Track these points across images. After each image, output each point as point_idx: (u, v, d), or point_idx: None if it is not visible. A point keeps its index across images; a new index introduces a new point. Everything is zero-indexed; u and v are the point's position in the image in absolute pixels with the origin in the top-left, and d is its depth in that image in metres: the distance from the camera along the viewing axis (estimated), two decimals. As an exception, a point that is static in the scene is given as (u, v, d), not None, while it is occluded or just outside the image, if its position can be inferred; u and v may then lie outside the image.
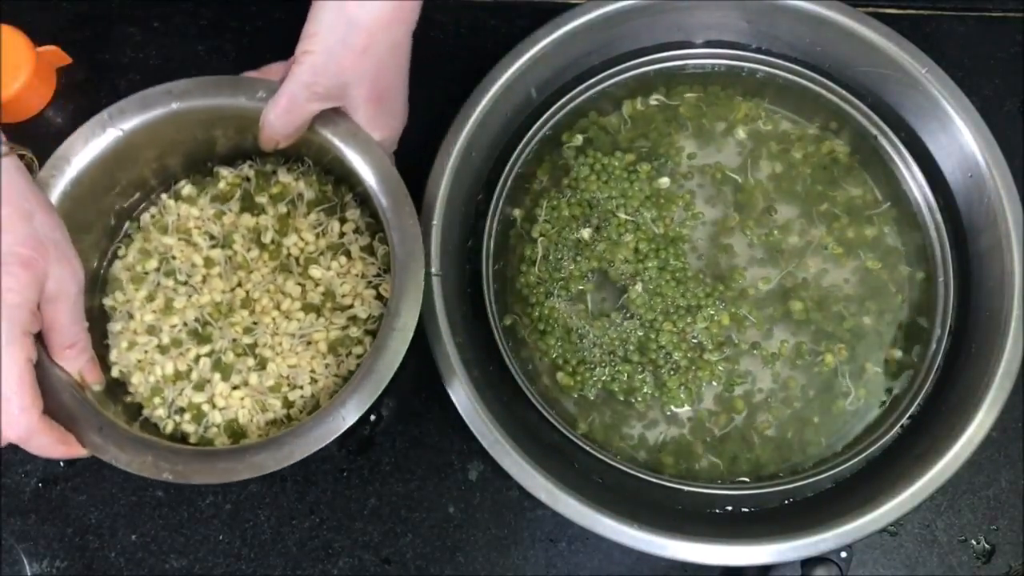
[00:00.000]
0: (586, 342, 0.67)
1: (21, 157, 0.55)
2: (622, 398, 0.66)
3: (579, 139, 0.72)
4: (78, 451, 0.55)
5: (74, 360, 0.57)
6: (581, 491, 0.59)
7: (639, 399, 0.66)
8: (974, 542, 0.66)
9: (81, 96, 0.73)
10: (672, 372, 0.65)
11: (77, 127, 0.62)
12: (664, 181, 0.70)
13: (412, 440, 0.67)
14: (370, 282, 0.65)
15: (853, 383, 0.66)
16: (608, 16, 0.68)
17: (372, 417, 0.67)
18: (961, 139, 0.65)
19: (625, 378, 0.66)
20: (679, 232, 0.69)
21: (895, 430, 0.65)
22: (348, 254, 0.66)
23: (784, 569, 0.60)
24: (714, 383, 0.66)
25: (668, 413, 0.66)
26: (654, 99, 0.72)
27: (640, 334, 0.66)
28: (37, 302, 0.53)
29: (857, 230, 0.69)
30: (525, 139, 0.72)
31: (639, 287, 0.67)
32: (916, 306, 0.68)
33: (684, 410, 0.66)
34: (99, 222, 0.66)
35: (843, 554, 0.59)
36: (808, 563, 0.59)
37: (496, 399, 0.63)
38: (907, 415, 0.65)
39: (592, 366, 0.66)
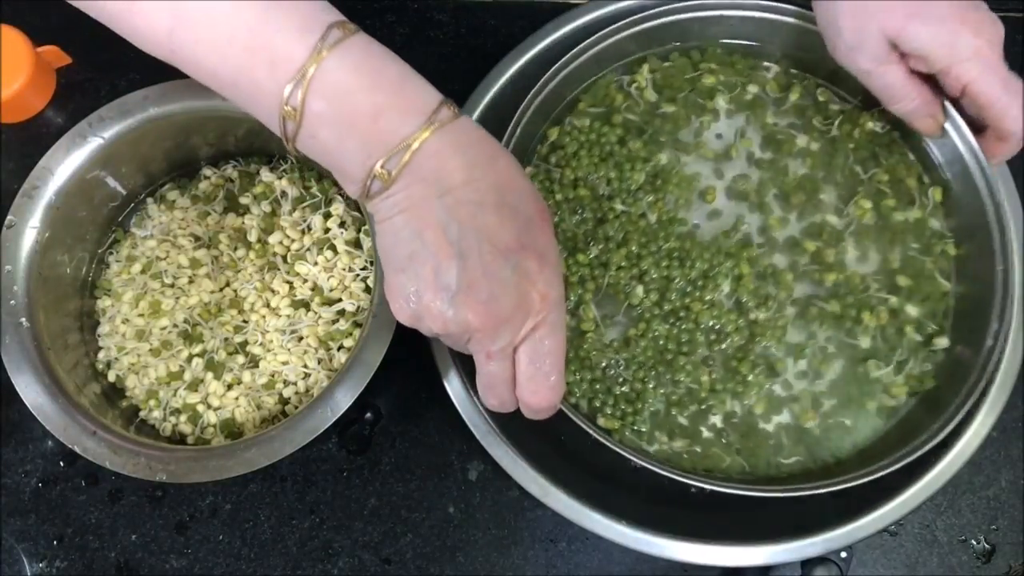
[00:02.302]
0: (610, 371, 0.61)
1: None
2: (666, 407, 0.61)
3: (584, 120, 0.66)
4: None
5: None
6: (582, 489, 0.59)
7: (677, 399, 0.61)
8: (974, 542, 0.66)
9: (81, 96, 0.73)
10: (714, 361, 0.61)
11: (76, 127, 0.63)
12: (681, 160, 0.64)
13: (412, 440, 0.67)
14: (357, 275, 0.66)
15: (891, 375, 0.61)
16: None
17: (370, 416, 0.67)
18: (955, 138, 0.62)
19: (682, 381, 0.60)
20: (678, 217, 0.63)
21: (950, 426, 0.57)
22: (334, 249, 0.66)
23: (784, 569, 0.60)
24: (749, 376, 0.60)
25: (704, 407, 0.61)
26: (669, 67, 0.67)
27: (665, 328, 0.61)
28: None
29: (896, 211, 0.63)
30: (523, 106, 0.63)
31: (640, 290, 0.62)
32: (963, 295, 0.62)
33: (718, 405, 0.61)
34: (86, 229, 0.67)
35: (843, 554, 0.59)
36: (808, 563, 0.59)
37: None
38: (957, 416, 0.57)
39: (632, 398, 0.60)
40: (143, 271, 0.67)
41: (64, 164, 0.63)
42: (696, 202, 0.64)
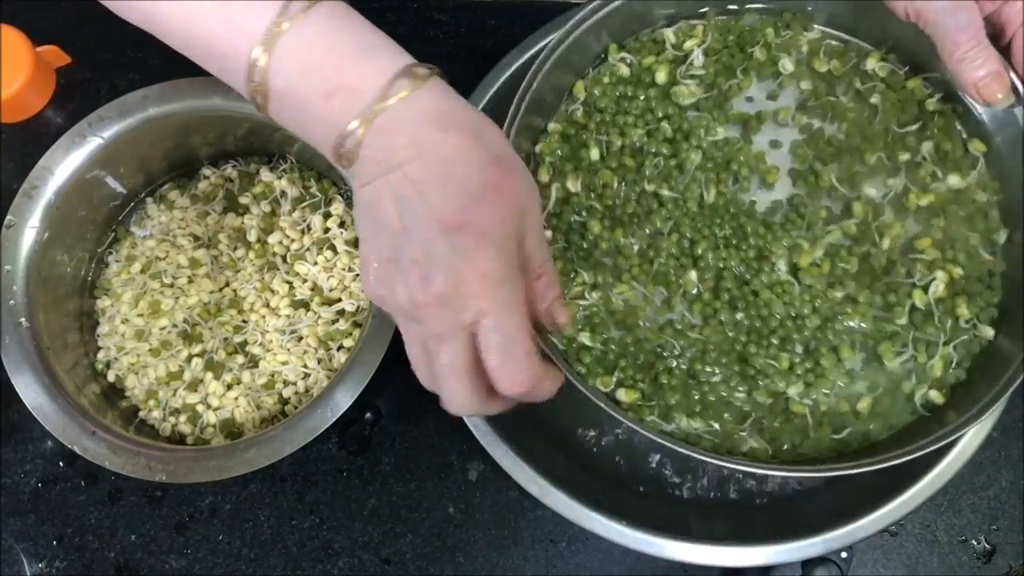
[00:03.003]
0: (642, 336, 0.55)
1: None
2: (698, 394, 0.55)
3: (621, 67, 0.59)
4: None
5: (542, 295, 0.46)
6: (582, 489, 0.58)
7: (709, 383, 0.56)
8: (974, 542, 0.66)
9: (81, 96, 0.73)
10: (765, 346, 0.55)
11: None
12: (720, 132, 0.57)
13: (412, 440, 0.67)
14: (357, 275, 0.66)
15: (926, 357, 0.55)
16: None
17: (370, 416, 0.67)
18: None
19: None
20: (736, 199, 0.57)
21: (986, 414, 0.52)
22: (334, 248, 0.66)
23: (784, 569, 0.60)
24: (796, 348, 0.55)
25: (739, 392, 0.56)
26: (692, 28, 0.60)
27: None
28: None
29: (943, 181, 0.57)
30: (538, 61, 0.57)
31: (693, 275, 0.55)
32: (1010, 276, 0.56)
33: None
34: (86, 228, 0.67)
35: (843, 554, 0.59)
36: (808, 563, 0.59)
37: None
38: (986, 413, 0.52)
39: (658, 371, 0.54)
40: (143, 271, 0.67)
41: (64, 164, 0.63)
42: (754, 179, 0.58)
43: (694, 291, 0.55)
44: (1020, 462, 0.66)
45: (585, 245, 0.56)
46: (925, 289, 0.55)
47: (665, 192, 0.56)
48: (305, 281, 0.66)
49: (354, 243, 0.66)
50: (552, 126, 0.58)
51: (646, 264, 0.55)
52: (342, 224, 0.67)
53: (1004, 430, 0.67)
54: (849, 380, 0.55)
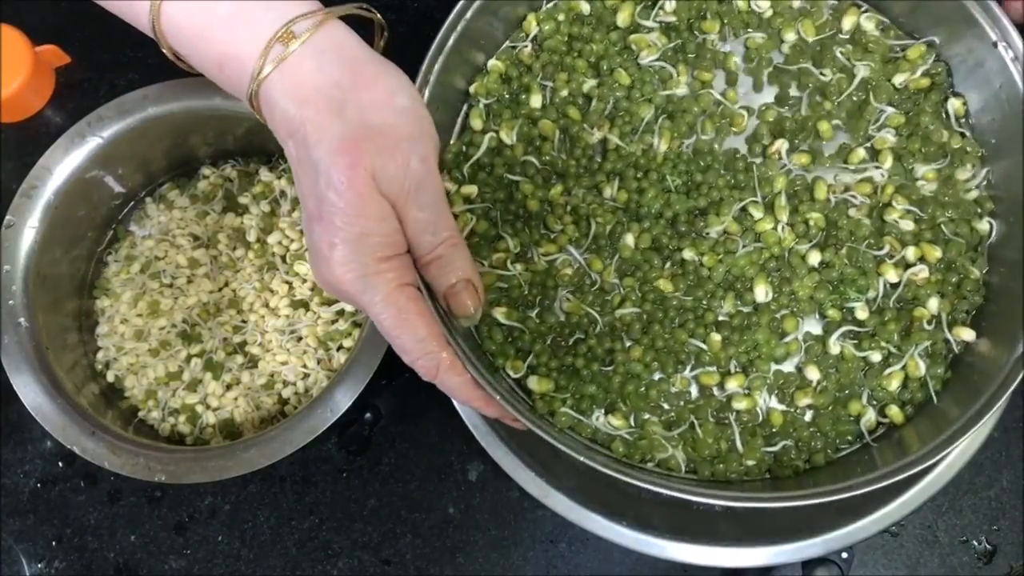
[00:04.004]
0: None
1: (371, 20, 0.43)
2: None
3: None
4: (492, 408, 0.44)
5: (435, 280, 0.43)
6: (582, 490, 0.58)
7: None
8: (975, 542, 0.66)
9: (81, 96, 0.73)
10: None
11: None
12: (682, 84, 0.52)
13: (412, 440, 0.67)
14: None
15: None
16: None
17: (370, 416, 0.67)
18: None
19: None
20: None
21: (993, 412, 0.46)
22: None
23: (785, 570, 0.60)
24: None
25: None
26: None
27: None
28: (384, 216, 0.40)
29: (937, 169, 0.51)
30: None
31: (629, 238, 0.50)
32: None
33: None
34: (85, 228, 0.67)
35: (844, 555, 0.59)
36: (809, 563, 0.59)
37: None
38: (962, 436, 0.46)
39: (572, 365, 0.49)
40: (142, 271, 0.67)
41: (63, 164, 0.63)
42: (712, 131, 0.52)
43: (628, 254, 0.50)
44: (1020, 462, 0.66)
45: (513, 206, 0.50)
46: (900, 267, 0.49)
47: (614, 139, 0.51)
48: (304, 281, 0.66)
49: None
50: (492, 63, 0.52)
51: (583, 223, 0.50)
52: (342, 224, 0.67)
53: (1004, 430, 0.66)
54: (790, 363, 0.49)
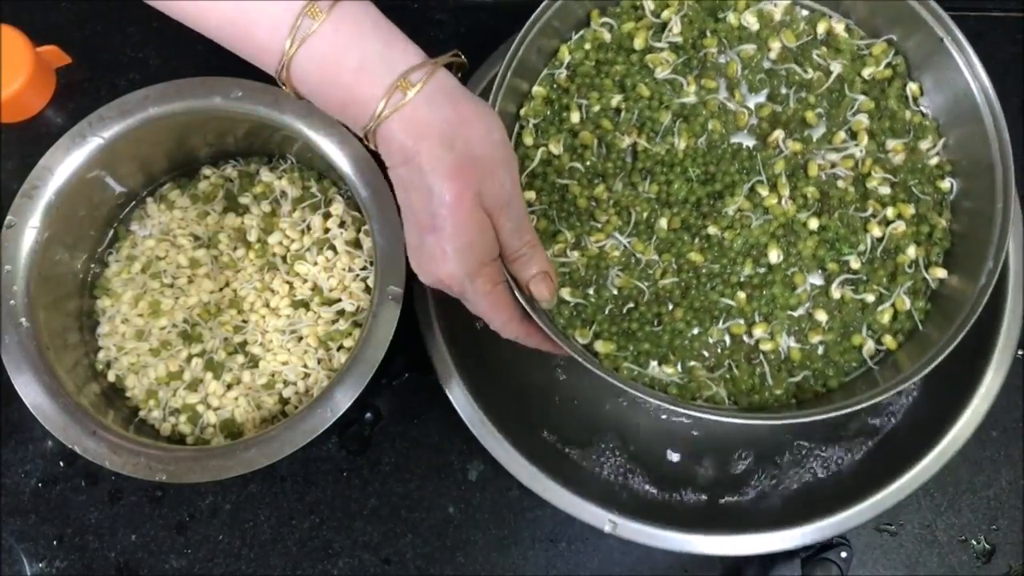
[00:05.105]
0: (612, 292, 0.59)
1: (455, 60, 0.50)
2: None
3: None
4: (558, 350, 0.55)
5: (519, 273, 0.53)
6: (581, 485, 0.59)
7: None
8: (974, 542, 0.66)
9: (81, 96, 0.73)
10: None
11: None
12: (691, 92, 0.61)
13: (412, 440, 0.67)
14: (357, 275, 0.66)
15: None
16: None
17: (370, 416, 0.67)
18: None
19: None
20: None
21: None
22: (334, 249, 0.66)
23: (784, 569, 0.60)
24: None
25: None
26: None
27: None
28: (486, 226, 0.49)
29: (905, 145, 0.61)
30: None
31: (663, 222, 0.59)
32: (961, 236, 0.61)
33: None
34: (85, 228, 0.67)
35: (843, 554, 0.59)
36: (808, 563, 0.59)
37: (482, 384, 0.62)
38: (941, 355, 0.55)
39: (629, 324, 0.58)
40: (143, 271, 0.67)
41: (64, 164, 0.63)
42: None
43: (663, 235, 0.60)
44: (1020, 462, 0.67)
45: (565, 205, 0.60)
46: (883, 223, 0.60)
47: (642, 142, 0.60)
48: (305, 281, 0.66)
49: (354, 243, 0.67)
50: (536, 89, 0.62)
51: (624, 213, 0.60)
52: (342, 224, 0.67)
53: (1004, 430, 0.67)
54: (801, 309, 0.59)
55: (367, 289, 0.66)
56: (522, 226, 0.51)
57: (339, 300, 0.65)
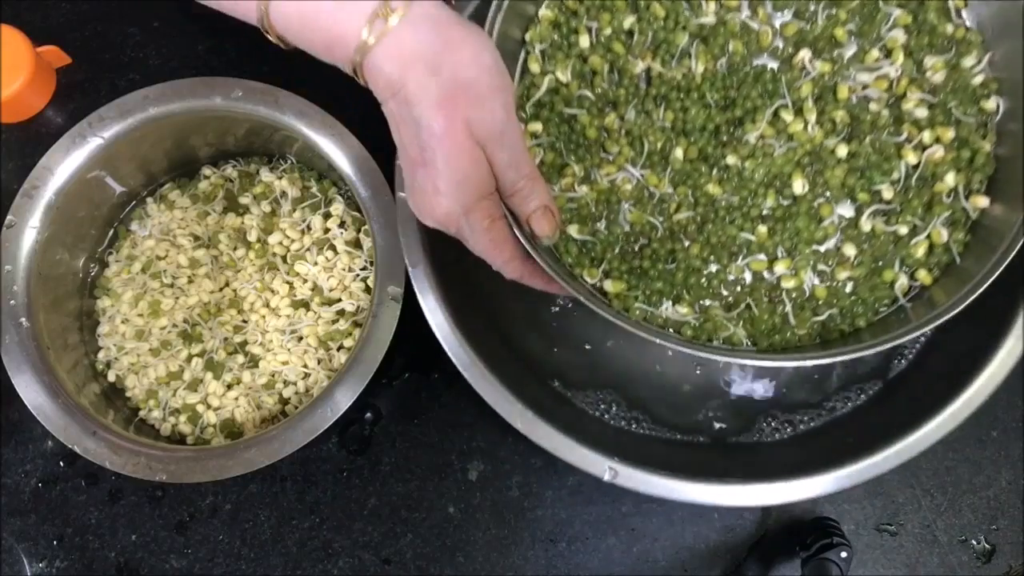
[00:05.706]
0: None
1: None
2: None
3: None
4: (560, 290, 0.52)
5: (519, 208, 0.50)
6: (574, 426, 0.56)
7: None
8: (974, 542, 0.66)
9: (81, 96, 0.73)
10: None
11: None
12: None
13: (412, 440, 0.67)
14: (357, 275, 0.66)
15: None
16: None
17: (370, 416, 0.67)
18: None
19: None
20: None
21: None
22: (334, 249, 0.66)
23: (784, 569, 0.60)
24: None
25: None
26: None
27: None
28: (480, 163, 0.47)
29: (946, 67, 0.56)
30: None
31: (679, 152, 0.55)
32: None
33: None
34: (85, 228, 0.67)
35: (843, 554, 0.59)
36: (808, 563, 0.59)
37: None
38: (979, 288, 0.51)
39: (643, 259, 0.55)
40: (143, 271, 0.67)
41: (64, 164, 0.63)
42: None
43: (678, 166, 0.56)
44: (1020, 462, 0.67)
45: (574, 136, 0.56)
46: (919, 149, 0.55)
47: (657, 66, 0.57)
48: (305, 281, 0.66)
49: (354, 243, 0.67)
50: (543, 12, 0.58)
51: (637, 144, 0.56)
52: (342, 224, 0.67)
53: (1004, 430, 0.67)
54: (828, 243, 0.55)
55: (367, 289, 0.66)
56: (519, 157, 0.48)
57: (339, 300, 0.65)
